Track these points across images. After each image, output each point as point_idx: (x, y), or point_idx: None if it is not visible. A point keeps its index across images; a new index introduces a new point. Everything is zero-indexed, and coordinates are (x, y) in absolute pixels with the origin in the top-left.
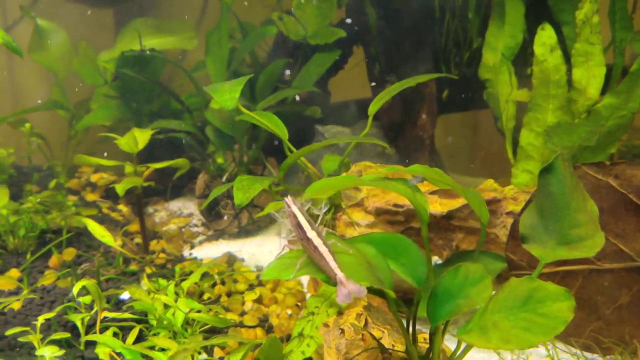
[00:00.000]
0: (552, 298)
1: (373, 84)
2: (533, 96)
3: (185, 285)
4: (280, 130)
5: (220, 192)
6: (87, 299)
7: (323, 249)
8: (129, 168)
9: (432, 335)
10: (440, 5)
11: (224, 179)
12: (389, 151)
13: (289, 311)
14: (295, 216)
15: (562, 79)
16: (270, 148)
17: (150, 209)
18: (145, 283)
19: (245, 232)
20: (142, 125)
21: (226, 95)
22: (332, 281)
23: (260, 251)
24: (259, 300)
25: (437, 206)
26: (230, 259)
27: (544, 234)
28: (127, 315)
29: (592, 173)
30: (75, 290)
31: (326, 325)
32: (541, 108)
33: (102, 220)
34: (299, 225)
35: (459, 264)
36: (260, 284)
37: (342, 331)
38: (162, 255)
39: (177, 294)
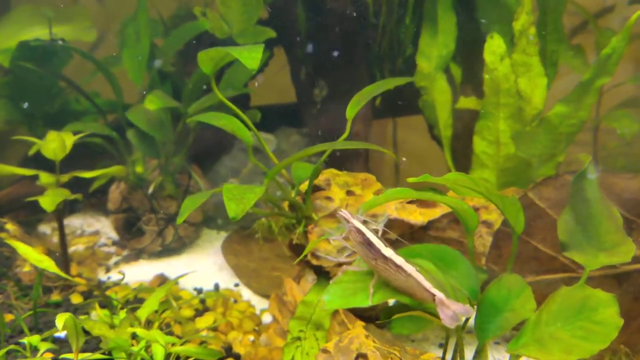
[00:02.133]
0: (604, 305)
1: (299, 88)
2: (484, 104)
3: (143, 314)
4: (245, 135)
5: (200, 203)
6: (33, 339)
7: (409, 268)
8: (46, 178)
9: (479, 352)
10: (375, 11)
11: (150, 190)
12: (393, 155)
13: (251, 337)
14: (361, 233)
15: (512, 87)
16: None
17: (44, 228)
18: (98, 314)
19: (168, 250)
20: (36, 129)
21: (246, 54)
22: (422, 303)
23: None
24: (213, 327)
25: (418, 216)
26: (164, 282)
27: (584, 240)
28: (98, 356)
29: None
30: (59, 323)
31: (325, 351)
32: (492, 116)
33: None
34: (368, 243)
35: (500, 275)
36: (207, 308)
37: (363, 355)
38: (79, 280)
39: (132, 325)
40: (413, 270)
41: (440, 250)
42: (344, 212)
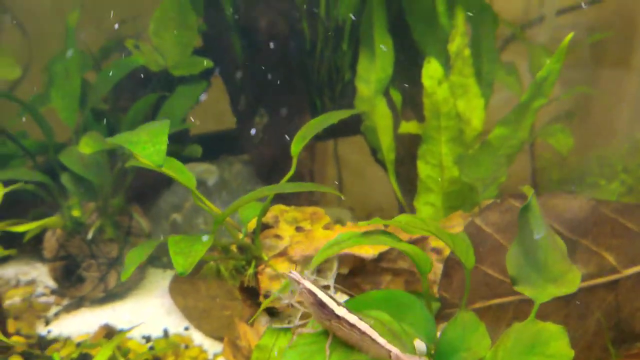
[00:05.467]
0: (554, 337)
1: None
2: (426, 128)
3: None
4: (186, 178)
5: (145, 257)
6: None
7: (363, 326)
8: None
9: None
10: (311, 38)
11: (89, 235)
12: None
13: None
14: (313, 293)
15: (452, 110)
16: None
17: None
18: None
19: (111, 295)
20: None
21: (149, 149)
22: None
23: (139, 317)
24: None
25: (369, 249)
26: (110, 332)
27: (532, 273)
28: None
29: (518, 205)
30: None
31: None
32: (434, 140)
33: None
34: (320, 304)
35: (456, 314)
36: (157, 358)
37: None
38: (18, 339)
39: None
40: (367, 328)
41: (395, 296)
42: (295, 274)
